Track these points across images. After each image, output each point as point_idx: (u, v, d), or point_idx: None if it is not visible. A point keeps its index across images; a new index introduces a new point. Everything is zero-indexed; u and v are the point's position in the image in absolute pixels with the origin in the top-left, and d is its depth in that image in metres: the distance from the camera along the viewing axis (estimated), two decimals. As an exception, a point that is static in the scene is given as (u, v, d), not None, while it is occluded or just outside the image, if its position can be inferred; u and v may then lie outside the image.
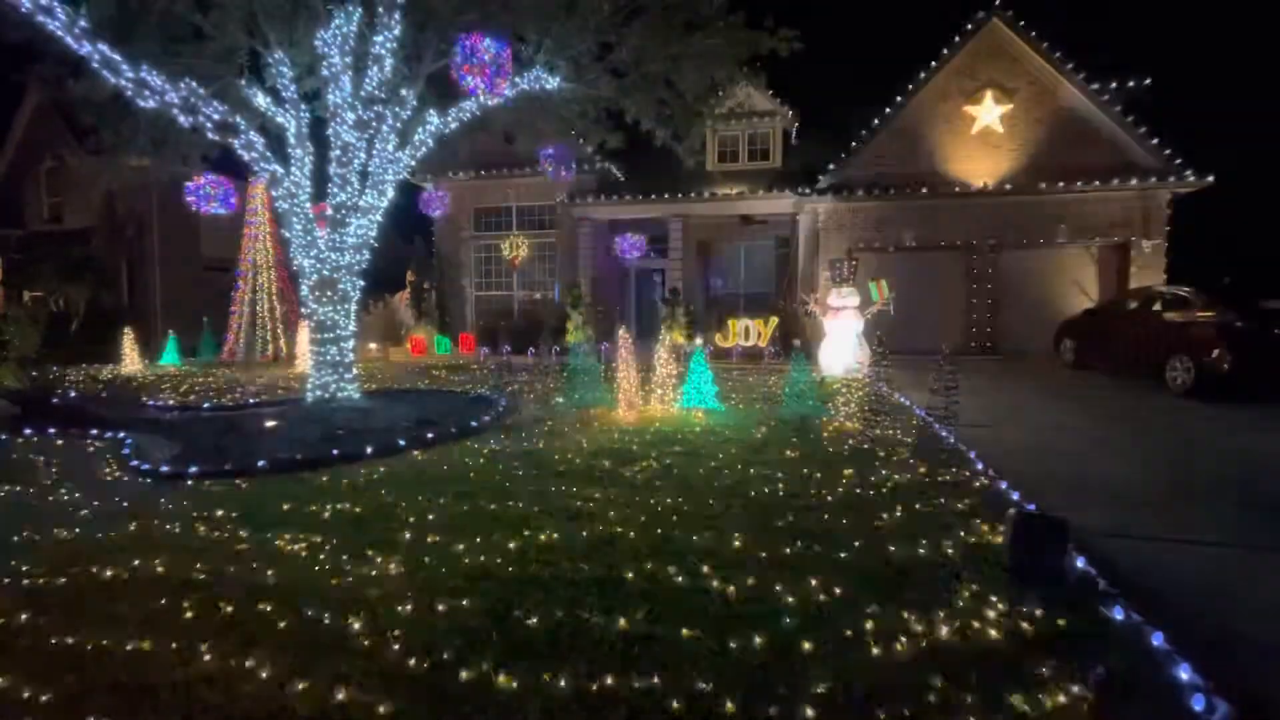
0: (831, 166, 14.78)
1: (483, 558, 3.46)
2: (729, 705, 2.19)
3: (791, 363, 7.52)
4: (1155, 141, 13.40)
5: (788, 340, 7.07)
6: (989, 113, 14.03)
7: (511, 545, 3.61)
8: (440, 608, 2.89)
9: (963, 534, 3.70)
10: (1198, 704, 2.17)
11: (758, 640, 2.58)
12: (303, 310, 7.94)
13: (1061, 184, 13.52)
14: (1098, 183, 13.37)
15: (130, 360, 13.25)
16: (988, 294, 14.44)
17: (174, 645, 2.62)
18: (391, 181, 7.95)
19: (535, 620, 2.76)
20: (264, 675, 2.42)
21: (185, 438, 6.58)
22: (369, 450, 5.80)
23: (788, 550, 3.49)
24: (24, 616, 2.89)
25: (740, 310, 17.90)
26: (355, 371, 8.14)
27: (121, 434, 6.64)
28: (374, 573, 3.29)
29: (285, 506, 4.37)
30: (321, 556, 3.51)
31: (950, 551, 3.47)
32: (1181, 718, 2.16)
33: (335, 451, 5.73)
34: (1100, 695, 2.23)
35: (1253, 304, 8.12)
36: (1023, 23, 13.70)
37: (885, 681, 2.33)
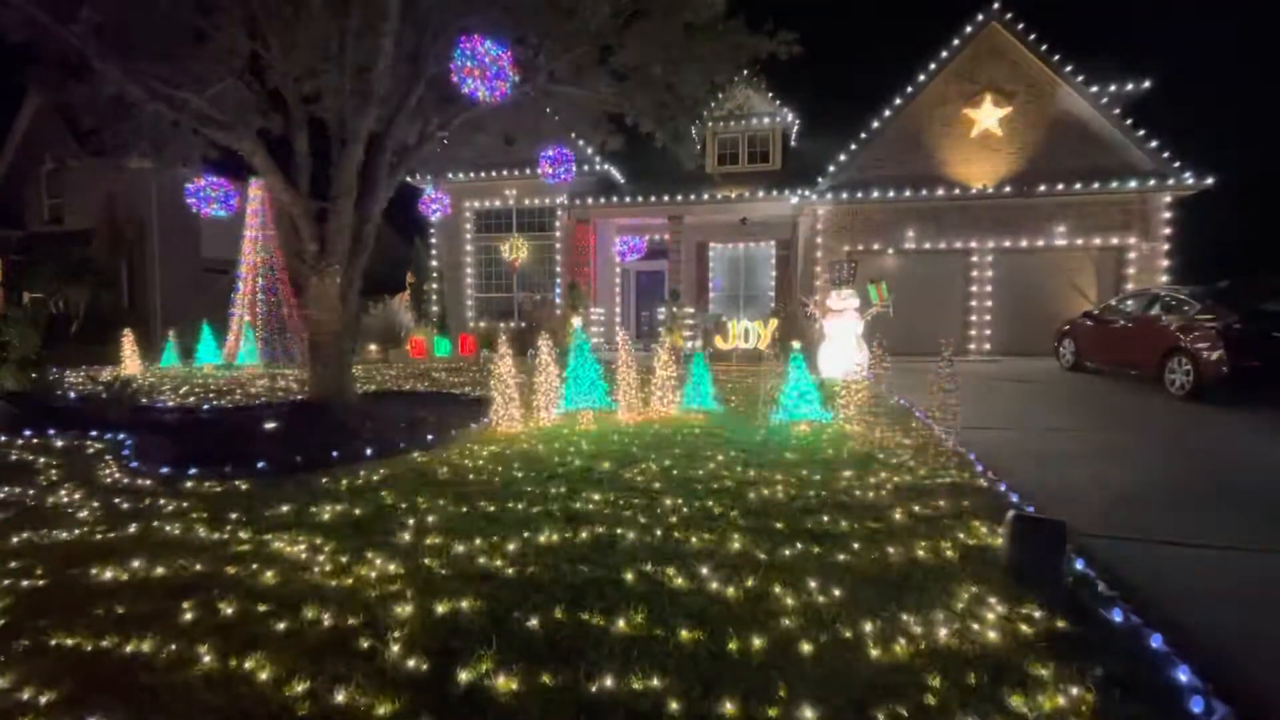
0: (831, 169, 14.80)
1: (482, 559, 3.46)
2: (728, 707, 2.20)
3: (791, 364, 7.52)
4: (1154, 144, 13.43)
5: (787, 342, 7.08)
6: (988, 115, 14.07)
7: (511, 547, 3.61)
8: (439, 609, 2.89)
9: (962, 536, 3.71)
10: (1196, 706, 2.17)
11: (757, 642, 2.58)
12: (302, 312, 7.94)
13: (1060, 186, 13.55)
14: (1096, 185, 13.41)
15: (131, 361, 13.24)
16: (987, 296, 14.47)
17: (173, 647, 2.63)
18: (391, 183, 7.96)
19: (535, 622, 2.76)
20: (263, 677, 2.42)
21: (185, 439, 6.58)
22: (368, 452, 5.80)
23: (787, 552, 3.50)
24: (24, 617, 2.89)
25: (740, 312, 17.95)
26: (355, 373, 8.14)
27: (121, 435, 6.64)
28: (373, 574, 3.30)
29: (284, 508, 4.37)
30: (321, 558, 3.52)
31: (949, 554, 3.47)
32: (1180, 720, 2.16)
33: (335, 453, 5.74)
34: (1099, 697, 2.24)
35: (1252, 306, 8.12)
36: (1022, 26, 13.74)
37: (884, 683, 2.33)
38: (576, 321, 7.46)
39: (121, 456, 5.92)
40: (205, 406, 8.68)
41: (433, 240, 18.20)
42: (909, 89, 14.46)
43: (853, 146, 14.77)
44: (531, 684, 2.34)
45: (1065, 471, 5.22)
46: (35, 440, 6.73)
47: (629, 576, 3.20)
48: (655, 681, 2.34)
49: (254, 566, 3.40)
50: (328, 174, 7.58)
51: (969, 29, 14.02)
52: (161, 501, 4.61)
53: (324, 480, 5.08)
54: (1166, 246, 13.61)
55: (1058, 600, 2.90)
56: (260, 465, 5.40)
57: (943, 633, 2.66)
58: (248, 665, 2.49)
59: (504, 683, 2.34)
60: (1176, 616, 2.81)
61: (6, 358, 8.18)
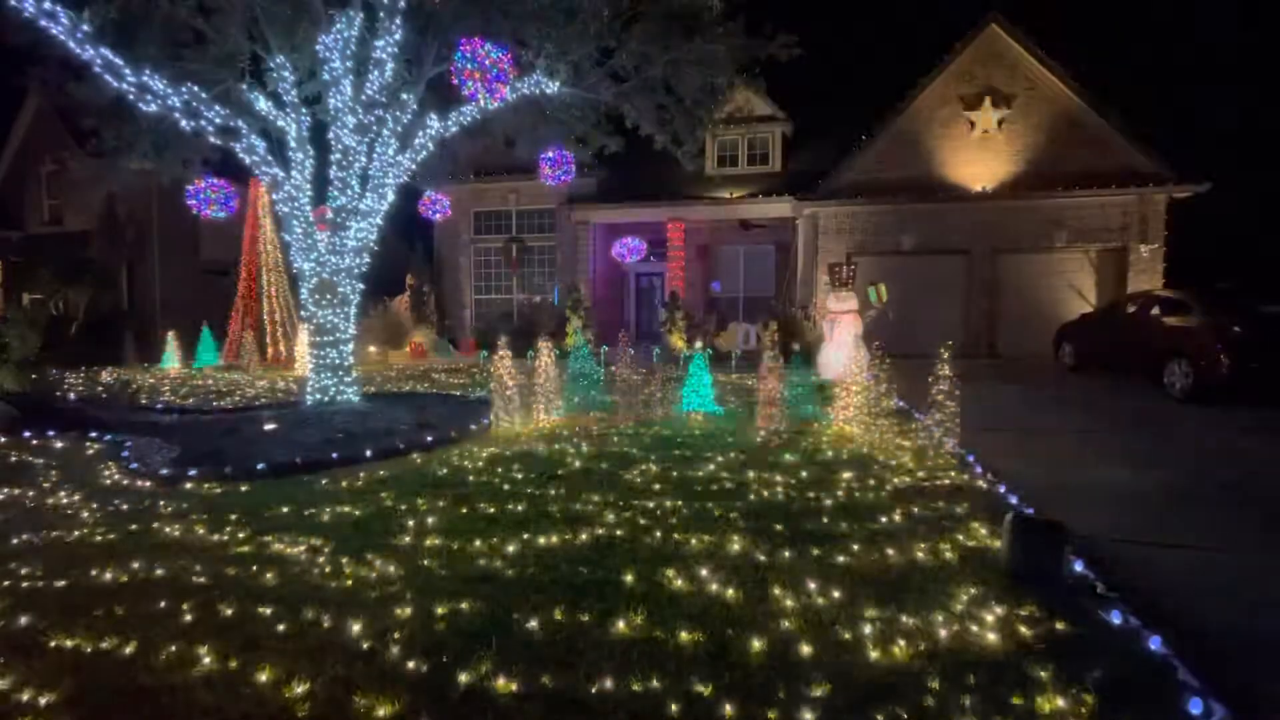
0: (831, 171, 14.82)
1: (482, 561, 3.46)
2: (728, 709, 2.20)
3: (791, 366, 7.53)
4: (1153, 147, 13.45)
5: (787, 344, 7.08)
6: (987, 117, 14.09)
7: (510, 548, 3.62)
8: (439, 610, 2.89)
9: (961, 537, 3.71)
10: (1195, 708, 2.17)
11: (756, 644, 2.59)
12: (302, 313, 7.96)
13: (1060, 188, 13.57)
14: (1096, 187, 13.43)
15: (131, 363, 13.24)
16: (986, 298, 14.48)
17: (173, 648, 2.63)
18: (391, 185, 7.97)
19: (534, 623, 2.76)
20: (263, 678, 2.42)
21: (185, 440, 6.58)
22: (368, 453, 5.80)
23: (786, 554, 3.50)
24: (23, 619, 2.89)
25: (739, 314, 17.95)
26: (355, 375, 8.15)
27: (121, 436, 6.64)
28: (373, 575, 3.30)
29: (285, 509, 4.37)
30: (321, 559, 3.52)
31: (949, 555, 3.47)
32: (1179, 721, 2.16)
33: (335, 454, 5.74)
34: (1098, 699, 2.24)
35: (1251, 308, 8.13)
36: (1021, 28, 13.77)
37: (884, 685, 2.33)
38: (576, 323, 7.47)
39: (121, 458, 5.92)
40: (205, 408, 8.68)
41: (433, 242, 18.21)
42: (909, 91, 14.49)
43: (852, 148, 14.79)
44: (531, 685, 2.34)
45: (1065, 473, 5.22)
46: (35, 441, 6.73)
47: (628, 578, 3.20)
48: (655, 683, 2.34)
49: (254, 568, 3.40)
50: (328, 175, 7.59)
51: (968, 31, 14.05)
52: (161, 503, 4.61)
53: (324, 481, 5.09)
54: (1165, 249, 13.63)
55: (1057, 601, 2.90)
56: (260, 466, 5.40)
57: (942, 634, 2.66)
58: (247, 667, 2.49)
59: (503, 684, 2.35)
60: (1175, 618, 2.81)
61: (6, 359, 8.19)
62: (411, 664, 2.48)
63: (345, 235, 7.64)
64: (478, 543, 3.71)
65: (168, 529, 4.05)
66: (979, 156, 14.24)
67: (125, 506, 4.56)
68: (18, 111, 20.37)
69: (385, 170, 7.79)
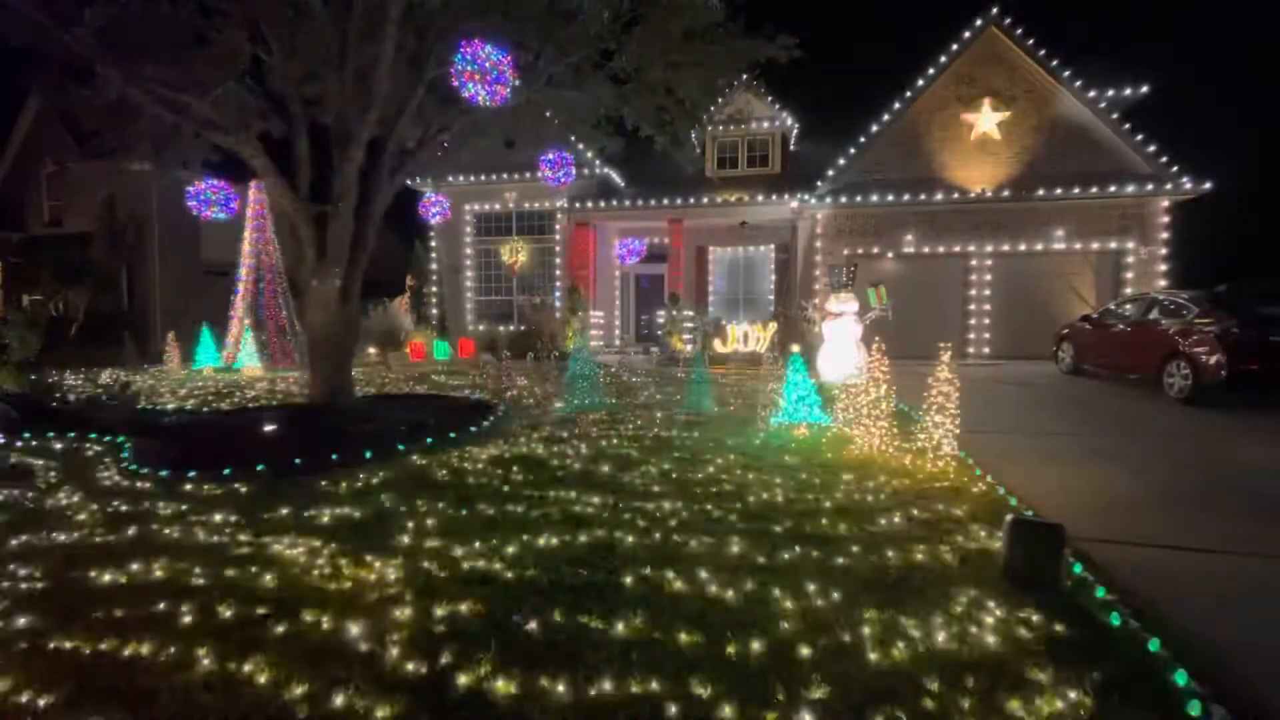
0: (830, 172, 14.84)
1: (481, 562, 3.46)
2: (727, 711, 2.20)
3: (790, 368, 7.53)
4: (1152, 149, 13.48)
5: (786, 346, 7.07)
6: (987, 119, 14.11)
7: (510, 550, 3.62)
8: (438, 612, 2.89)
9: (960, 539, 3.71)
10: (1194, 710, 2.17)
11: (756, 646, 2.59)
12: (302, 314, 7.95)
13: (1059, 190, 13.58)
14: (1095, 189, 13.45)
15: (131, 363, 13.23)
16: (986, 299, 14.49)
17: (172, 649, 2.63)
18: (392, 187, 7.97)
19: (534, 625, 2.76)
20: (262, 680, 2.42)
21: (184, 441, 6.57)
22: (367, 454, 5.80)
23: (786, 556, 3.50)
24: (23, 620, 2.89)
25: (739, 315, 17.97)
26: (354, 376, 8.14)
27: (120, 437, 6.64)
28: (372, 577, 3.30)
29: (284, 511, 4.37)
30: (320, 561, 3.52)
31: (948, 557, 3.48)
32: (1178, 724, 2.16)
33: (334, 456, 5.73)
34: (1097, 701, 2.24)
35: (1250, 310, 8.14)
36: (1020, 31, 13.79)
37: (883, 687, 2.33)
38: (576, 325, 7.47)
39: (120, 459, 5.91)
40: (204, 409, 8.68)
41: (432, 243, 18.22)
42: (908, 93, 14.51)
43: (852, 150, 14.81)
44: (530, 687, 2.35)
45: (1064, 475, 5.23)
46: (34, 442, 6.73)
47: (628, 580, 3.20)
48: (654, 685, 2.34)
49: (253, 569, 3.40)
50: (328, 177, 7.60)
51: (968, 34, 14.07)
52: (160, 504, 4.61)
53: (323, 483, 5.08)
54: (1165, 250, 13.64)
55: (1056, 604, 2.90)
56: (260, 468, 5.40)
57: (941, 636, 2.66)
58: (247, 668, 2.49)
59: (503, 686, 2.35)
60: (1175, 620, 2.81)
61: (6, 360, 8.19)
62: (410, 666, 2.48)
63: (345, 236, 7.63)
64: (477, 544, 3.71)
65: (167, 530, 4.05)
66: (978, 158, 14.26)
67: (124, 507, 4.56)
68: (18, 113, 20.41)
69: (385, 171, 7.79)
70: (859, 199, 14.59)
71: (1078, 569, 3.22)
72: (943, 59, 14.23)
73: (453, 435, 6.60)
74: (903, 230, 14.72)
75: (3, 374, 8.10)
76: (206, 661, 2.54)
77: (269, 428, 6.98)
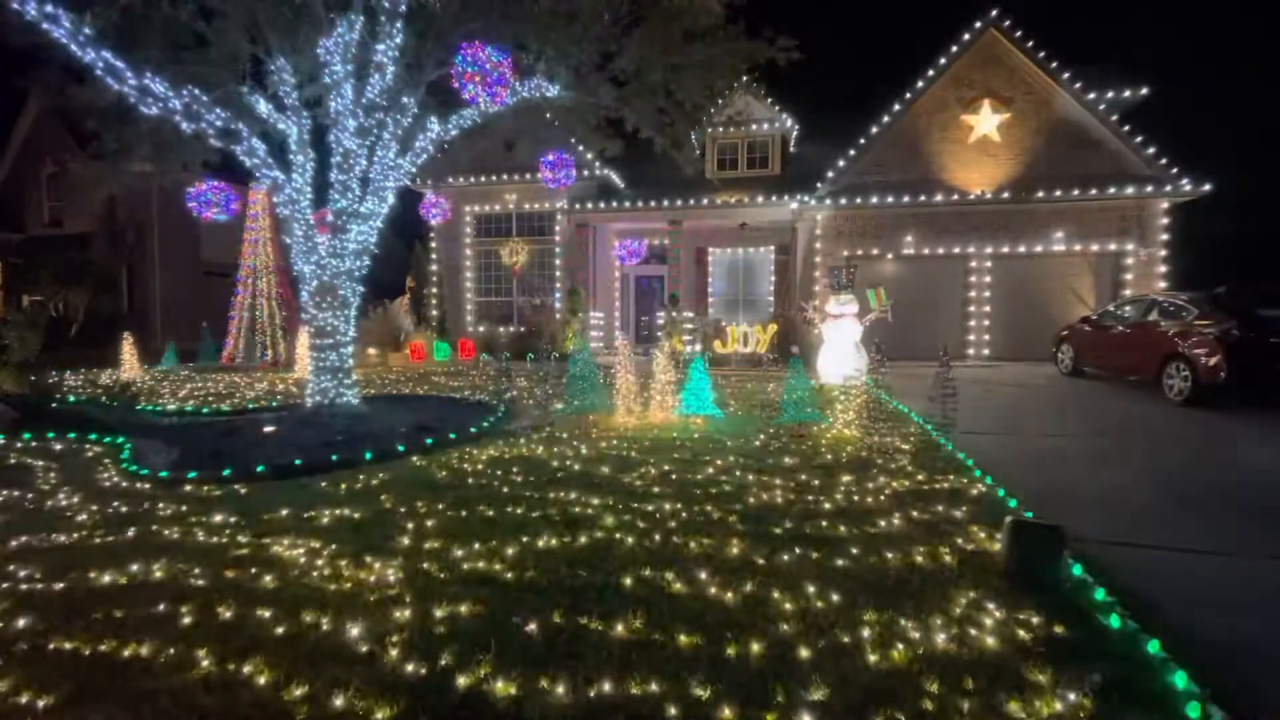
0: (830, 174, 14.85)
1: (481, 563, 3.46)
2: (727, 712, 2.20)
3: (790, 369, 7.54)
4: (1151, 150, 13.49)
5: (786, 347, 7.08)
6: (986, 121, 14.13)
7: (510, 551, 3.62)
8: (438, 613, 2.89)
9: (960, 541, 3.71)
10: (1194, 712, 2.17)
11: (755, 647, 2.59)
12: (302, 316, 7.97)
13: (1058, 192, 13.60)
14: (1094, 191, 13.46)
15: (130, 364, 13.23)
16: (985, 301, 14.50)
17: (172, 650, 2.63)
18: (392, 188, 7.98)
19: (534, 626, 2.77)
20: (262, 681, 2.42)
21: (184, 442, 6.58)
22: (367, 456, 5.80)
23: (786, 557, 3.50)
24: (22, 621, 2.89)
25: (739, 317, 17.98)
26: (354, 377, 8.15)
27: (120, 438, 6.64)
28: (372, 578, 3.30)
29: (284, 512, 4.37)
30: (319, 562, 3.52)
31: (948, 558, 3.48)
32: (1177, 725, 2.16)
33: (334, 457, 5.74)
34: (1097, 702, 2.24)
35: (1250, 312, 8.14)
36: (1019, 32, 13.81)
37: (882, 688, 2.33)
38: (576, 326, 7.47)
39: (120, 459, 5.92)
40: (204, 410, 8.68)
41: (433, 244, 18.23)
42: (908, 95, 14.53)
43: (851, 152, 14.82)
44: (530, 688, 2.35)
45: (1063, 476, 5.23)
46: (34, 443, 6.73)
47: (628, 581, 3.20)
48: (654, 686, 2.34)
49: (253, 570, 3.41)
50: (329, 178, 7.60)
51: (967, 35, 14.09)
52: (160, 505, 4.61)
53: (323, 484, 5.09)
54: (1164, 252, 13.65)
55: (1055, 605, 2.91)
56: (259, 469, 5.40)
57: (940, 638, 2.66)
58: (246, 669, 2.49)
59: (503, 687, 2.35)
60: (1174, 622, 2.81)
61: (6, 360, 8.20)
62: (410, 667, 2.48)
63: (345, 238, 7.65)
64: (476, 545, 3.71)
65: (167, 531, 4.05)
66: (977, 160, 14.27)
67: (124, 508, 4.56)
68: (19, 114, 20.43)
69: (386, 173, 7.80)
70: (859, 200, 14.60)
71: (1077, 570, 3.22)
72: (942, 61, 14.25)
73: (453, 436, 6.60)
74: (902, 232, 14.73)
75: (3, 374, 8.11)
76: (206, 662, 2.54)
77: (269, 429, 6.98)
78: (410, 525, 4.07)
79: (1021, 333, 14.17)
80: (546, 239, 17.51)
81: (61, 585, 3.28)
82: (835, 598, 3.01)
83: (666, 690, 2.32)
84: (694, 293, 18.59)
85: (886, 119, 14.64)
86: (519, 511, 4.32)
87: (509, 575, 3.31)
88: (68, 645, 2.69)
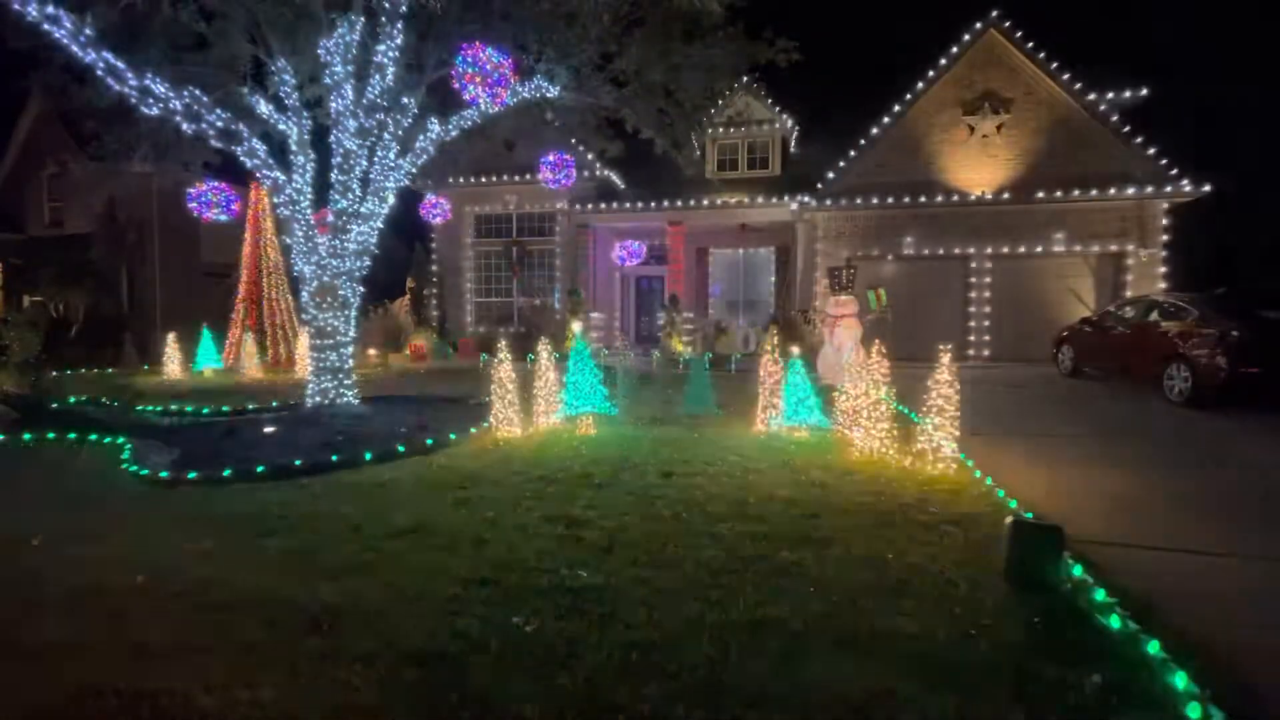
0: (830, 175, 14.85)
1: (481, 565, 3.46)
2: (727, 714, 2.20)
3: (790, 370, 7.53)
4: (1151, 151, 13.48)
5: (786, 348, 7.08)
6: (986, 122, 14.12)
7: (510, 552, 3.62)
8: (438, 613, 2.89)
9: (960, 542, 3.71)
10: (1193, 712, 2.17)
11: (755, 647, 2.59)
12: (303, 316, 7.98)
13: (1059, 193, 13.59)
14: (1094, 192, 13.45)
15: (131, 365, 13.23)
16: (985, 302, 14.49)
17: (170, 651, 2.63)
18: (392, 188, 7.99)
19: (533, 628, 2.76)
20: (261, 682, 2.42)
21: (184, 442, 6.58)
22: (368, 456, 5.80)
23: (785, 557, 3.50)
24: (21, 622, 2.89)
25: (739, 317, 17.97)
26: (354, 378, 8.16)
27: (120, 438, 6.64)
28: (372, 579, 3.30)
29: (284, 512, 4.37)
30: (319, 562, 3.52)
31: (947, 559, 3.47)
32: (1177, 726, 2.16)
33: (334, 457, 5.74)
34: (1097, 703, 2.24)
35: (1250, 313, 8.14)
36: (1020, 34, 13.81)
37: (882, 689, 2.33)
38: (576, 326, 7.47)
39: (120, 460, 5.92)
40: (204, 410, 8.68)
41: (433, 245, 18.23)
42: (908, 95, 14.53)
43: (852, 153, 14.82)
44: (530, 689, 2.34)
45: (1063, 477, 5.23)
46: (34, 443, 6.73)
47: (628, 581, 3.20)
48: (654, 687, 2.34)
49: (252, 571, 3.41)
50: (329, 179, 7.61)
51: (967, 36, 14.09)
52: (160, 505, 4.61)
53: (323, 484, 5.08)
54: (1165, 253, 13.64)
55: (1055, 606, 2.90)
56: (259, 469, 5.40)
57: (940, 638, 2.66)
58: (245, 671, 2.49)
59: (502, 687, 2.35)
60: (1174, 622, 2.81)
61: (7, 361, 8.19)
62: (410, 667, 2.48)
63: (346, 238, 7.65)
64: (477, 546, 3.71)
65: (166, 531, 4.05)
66: (978, 160, 14.27)
67: (124, 509, 4.56)
68: (20, 115, 20.41)
69: (386, 174, 7.81)
70: (859, 201, 14.59)
71: (1077, 571, 3.22)
72: (943, 62, 14.25)
73: (453, 436, 6.60)
74: (903, 232, 14.73)
75: (3, 375, 8.11)
76: (205, 663, 2.54)
77: (269, 429, 6.98)
78: (410, 525, 4.05)
79: (1021, 333, 14.15)
80: (547, 239, 17.51)
81: (60, 586, 3.26)
82: (835, 598, 3.01)
83: (667, 691, 2.31)
84: (694, 293, 18.58)
85: (887, 120, 14.63)
86: (519, 512, 4.32)
87: (509, 576, 3.30)
88: (67, 645, 2.68)
